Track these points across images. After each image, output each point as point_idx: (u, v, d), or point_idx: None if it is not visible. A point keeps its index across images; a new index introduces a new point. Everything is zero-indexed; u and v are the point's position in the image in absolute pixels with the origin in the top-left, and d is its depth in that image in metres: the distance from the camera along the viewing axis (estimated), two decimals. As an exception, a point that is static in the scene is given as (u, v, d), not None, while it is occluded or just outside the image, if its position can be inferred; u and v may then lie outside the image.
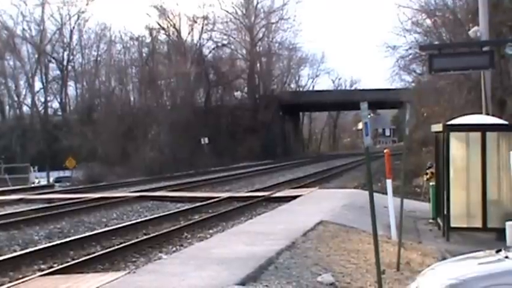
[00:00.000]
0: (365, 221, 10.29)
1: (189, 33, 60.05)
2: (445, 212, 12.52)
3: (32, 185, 32.40)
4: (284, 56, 69.96)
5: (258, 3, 65.37)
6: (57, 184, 34.81)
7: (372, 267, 8.12)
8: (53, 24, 57.91)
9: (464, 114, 14.10)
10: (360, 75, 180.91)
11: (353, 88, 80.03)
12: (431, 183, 15.20)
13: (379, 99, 45.59)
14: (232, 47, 64.66)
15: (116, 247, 10.83)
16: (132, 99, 57.05)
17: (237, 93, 66.13)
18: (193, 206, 17.20)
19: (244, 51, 65.50)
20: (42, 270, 9.13)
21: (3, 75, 55.20)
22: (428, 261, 9.32)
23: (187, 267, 7.89)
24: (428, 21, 29.25)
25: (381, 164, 26.45)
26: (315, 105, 69.22)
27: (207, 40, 61.57)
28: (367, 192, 7.43)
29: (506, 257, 5.43)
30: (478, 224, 12.29)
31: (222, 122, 57.33)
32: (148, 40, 57.02)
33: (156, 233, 12.19)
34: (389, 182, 11.77)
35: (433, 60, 14.49)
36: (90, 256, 9.95)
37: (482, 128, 12.45)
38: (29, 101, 57.18)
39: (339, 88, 79.79)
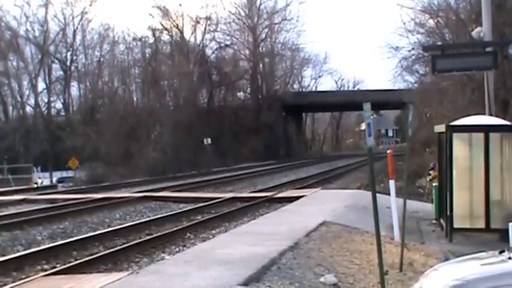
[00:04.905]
0: (368, 221, 10.27)
1: (192, 34, 60.25)
2: (448, 213, 12.49)
3: (35, 186, 32.39)
4: (287, 56, 70.05)
5: (261, 3, 65.55)
6: (60, 184, 34.87)
7: (375, 267, 8.12)
8: (56, 25, 58.22)
9: (467, 115, 14.08)
10: (362, 76, 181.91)
11: (356, 89, 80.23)
12: (434, 184, 15.17)
13: (382, 100, 45.43)
14: (235, 47, 64.74)
15: (119, 247, 10.82)
16: (135, 99, 57.26)
17: (240, 94, 66.17)
18: (196, 206, 17.17)
19: (247, 51, 65.55)
20: (45, 270, 9.13)
21: (6, 75, 55.30)
22: (431, 262, 9.30)
23: (190, 268, 7.88)
24: (431, 22, 29.28)
25: (383, 165, 26.50)
26: (318, 105, 69.25)
27: (210, 41, 61.70)
28: (369, 193, 7.42)
29: (510, 258, 5.42)
30: (481, 224, 12.27)
31: (224, 123, 57.33)
32: (151, 41, 57.16)
33: (159, 234, 12.17)
34: (392, 183, 11.77)
35: (436, 61, 14.47)
36: (93, 256, 9.93)
37: (486, 129, 12.43)
38: (32, 101, 57.40)
39: (341, 89, 79.82)
